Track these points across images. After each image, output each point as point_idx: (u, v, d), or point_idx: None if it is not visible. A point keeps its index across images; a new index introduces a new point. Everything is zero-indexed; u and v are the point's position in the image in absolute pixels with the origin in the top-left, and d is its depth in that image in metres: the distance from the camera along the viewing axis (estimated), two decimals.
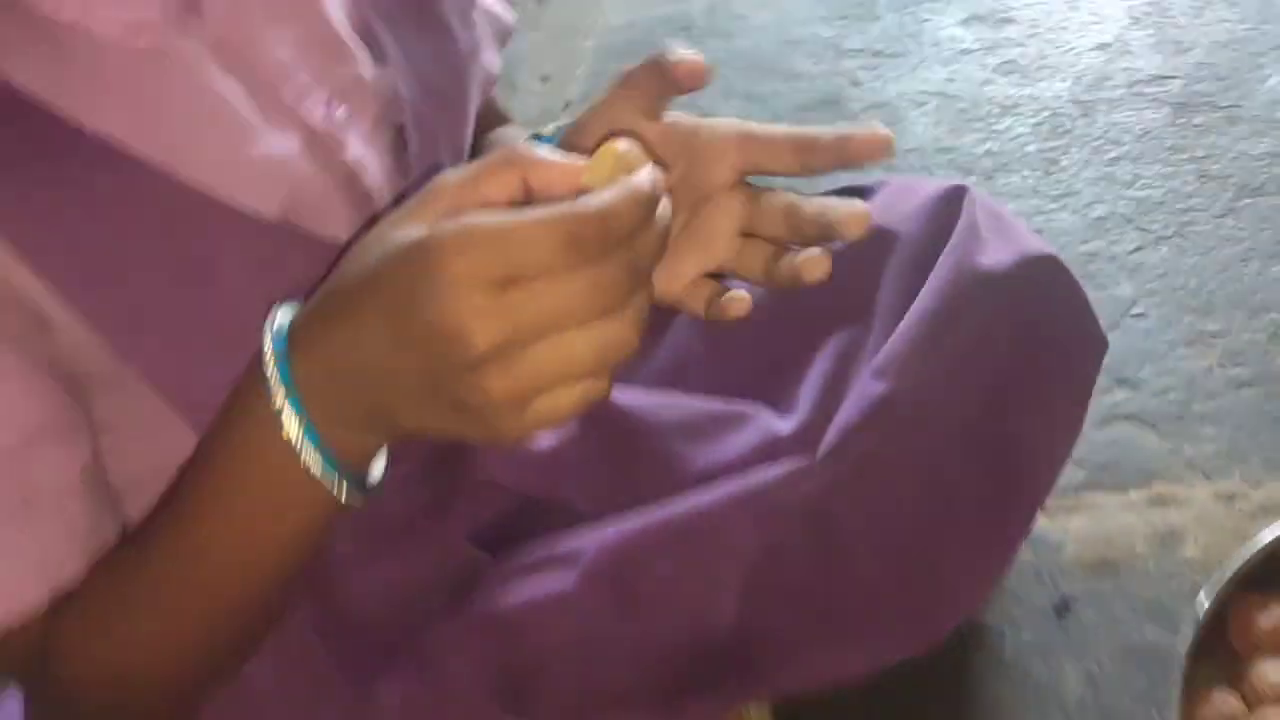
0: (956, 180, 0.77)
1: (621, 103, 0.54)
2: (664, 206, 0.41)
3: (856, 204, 0.52)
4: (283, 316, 0.47)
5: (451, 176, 0.43)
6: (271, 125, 0.55)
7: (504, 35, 0.75)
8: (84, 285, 0.49)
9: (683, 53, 0.51)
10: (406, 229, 0.41)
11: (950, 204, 0.72)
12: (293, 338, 0.45)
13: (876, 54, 1.61)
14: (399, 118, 0.60)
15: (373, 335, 0.42)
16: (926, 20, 1.64)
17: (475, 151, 0.69)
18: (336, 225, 0.57)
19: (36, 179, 0.48)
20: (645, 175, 0.40)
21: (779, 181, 0.55)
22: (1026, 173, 1.38)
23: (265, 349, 0.46)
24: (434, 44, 0.64)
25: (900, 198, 0.75)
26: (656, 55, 0.52)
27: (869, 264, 0.72)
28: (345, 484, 0.47)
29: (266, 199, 0.54)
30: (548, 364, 0.40)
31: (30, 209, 0.48)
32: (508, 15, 0.75)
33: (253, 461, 0.47)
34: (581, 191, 0.40)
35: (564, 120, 0.57)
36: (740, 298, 0.55)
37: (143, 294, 0.51)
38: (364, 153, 0.59)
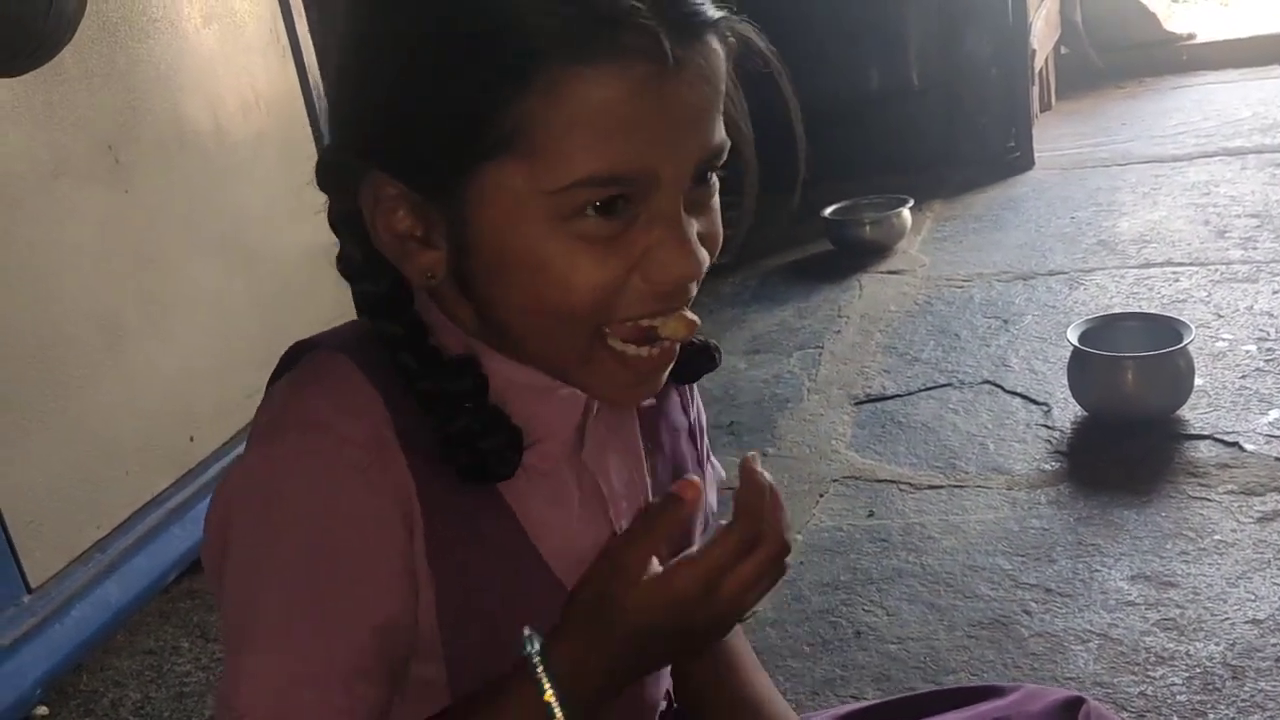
0: (1078, 692, 0.99)
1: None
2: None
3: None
4: (537, 638, 0.71)
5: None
6: (589, 528, 0.81)
7: (721, 483, 1.01)
8: (455, 578, 0.75)
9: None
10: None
11: (1070, 710, 0.94)
12: (555, 649, 0.71)
13: (1049, 590, 1.85)
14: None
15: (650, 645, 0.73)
16: (1097, 571, 1.88)
17: None
18: None
19: (464, 516, 0.75)
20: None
21: None
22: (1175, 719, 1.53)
23: (533, 658, 0.70)
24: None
25: (1030, 699, 0.97)
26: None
27: None
28: None
29: (569, 572, 0.79)
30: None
31: (448, 534, 0.74)
32: (722, 472, 1.02)
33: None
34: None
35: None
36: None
37: (479, 601, 0.76)
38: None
